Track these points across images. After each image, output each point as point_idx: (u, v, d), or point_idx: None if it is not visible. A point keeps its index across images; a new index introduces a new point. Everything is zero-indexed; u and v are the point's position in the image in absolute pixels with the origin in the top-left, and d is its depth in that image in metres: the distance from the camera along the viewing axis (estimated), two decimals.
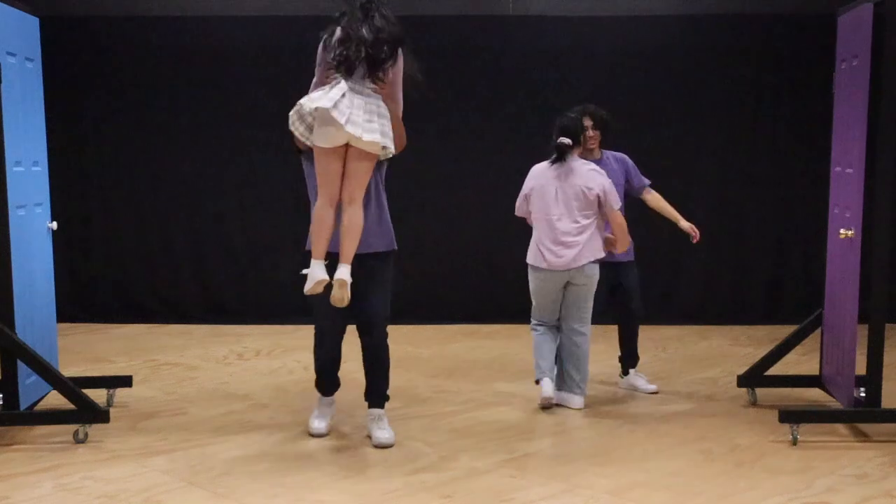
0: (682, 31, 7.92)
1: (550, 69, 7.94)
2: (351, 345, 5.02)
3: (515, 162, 7.97)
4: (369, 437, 4.92)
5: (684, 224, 5.87)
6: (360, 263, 4.58)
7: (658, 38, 7.91)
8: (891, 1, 4.60)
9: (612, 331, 6.00)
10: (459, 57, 7.96)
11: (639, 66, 7.91)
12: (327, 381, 5.09)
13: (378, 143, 4.41)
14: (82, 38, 7.94)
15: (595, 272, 5.45)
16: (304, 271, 4.51)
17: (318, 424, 5.04)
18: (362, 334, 4.91)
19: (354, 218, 4.50)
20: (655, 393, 5.87)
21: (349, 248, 4.49)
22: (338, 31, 4.47)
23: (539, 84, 7.93)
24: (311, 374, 6.33)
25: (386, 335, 4.92)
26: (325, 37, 4.53)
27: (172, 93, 8.00)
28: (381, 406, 4.98)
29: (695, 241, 5.88)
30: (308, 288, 4.47)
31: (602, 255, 5.46)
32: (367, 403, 5.01)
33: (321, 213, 4.52)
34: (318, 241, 4.51)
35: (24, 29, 5.10)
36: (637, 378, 5.98)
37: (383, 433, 4.87)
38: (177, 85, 8.00)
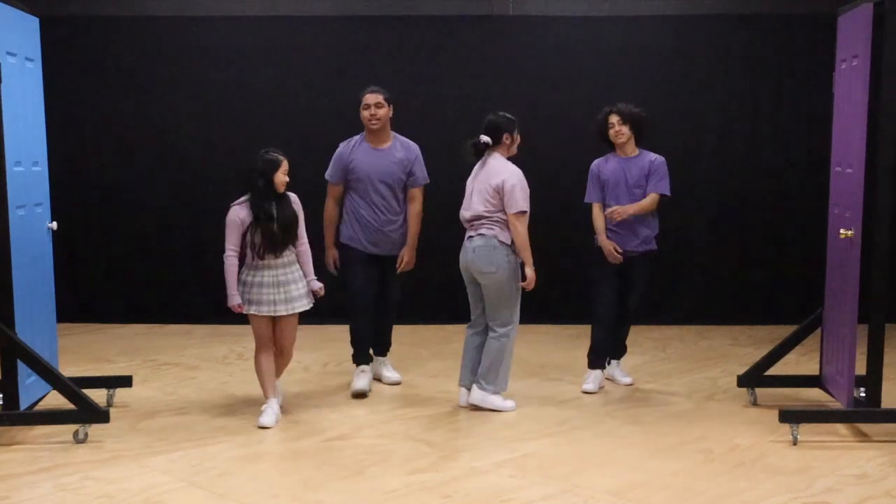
0: (682, 31, 7.91)
1: (550, 69, 7.94)
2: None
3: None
4: (379, 379, 6.10)
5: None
6: (386, 263, 5.94)
7: (658, 38, 7.91)
8: (891, 1, 4.60)
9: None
10: (459, 57, 7.96)
11: (639, 66, 7.91)
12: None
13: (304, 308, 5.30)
14: (82, 38, 7.94)
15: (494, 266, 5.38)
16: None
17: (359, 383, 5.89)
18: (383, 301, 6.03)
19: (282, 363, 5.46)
20: (630, 385, 6.03)
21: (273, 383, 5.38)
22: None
23: (539, 84, 7.93)
24: (311, 375, 6.39)
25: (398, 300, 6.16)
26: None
27: (172, 93, 8.00)
28: (385, 354, 6.19)
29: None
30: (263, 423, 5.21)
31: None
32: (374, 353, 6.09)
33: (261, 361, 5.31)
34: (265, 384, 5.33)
35: (24, 29, 5.10)
36: (616, 369, 6.13)
37: (391, 374, 6.14)
38: (177, 85, 8.00)
